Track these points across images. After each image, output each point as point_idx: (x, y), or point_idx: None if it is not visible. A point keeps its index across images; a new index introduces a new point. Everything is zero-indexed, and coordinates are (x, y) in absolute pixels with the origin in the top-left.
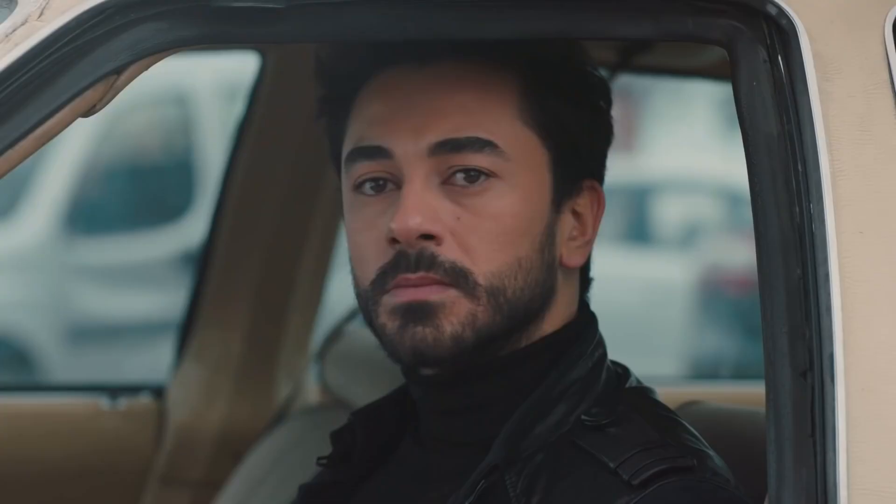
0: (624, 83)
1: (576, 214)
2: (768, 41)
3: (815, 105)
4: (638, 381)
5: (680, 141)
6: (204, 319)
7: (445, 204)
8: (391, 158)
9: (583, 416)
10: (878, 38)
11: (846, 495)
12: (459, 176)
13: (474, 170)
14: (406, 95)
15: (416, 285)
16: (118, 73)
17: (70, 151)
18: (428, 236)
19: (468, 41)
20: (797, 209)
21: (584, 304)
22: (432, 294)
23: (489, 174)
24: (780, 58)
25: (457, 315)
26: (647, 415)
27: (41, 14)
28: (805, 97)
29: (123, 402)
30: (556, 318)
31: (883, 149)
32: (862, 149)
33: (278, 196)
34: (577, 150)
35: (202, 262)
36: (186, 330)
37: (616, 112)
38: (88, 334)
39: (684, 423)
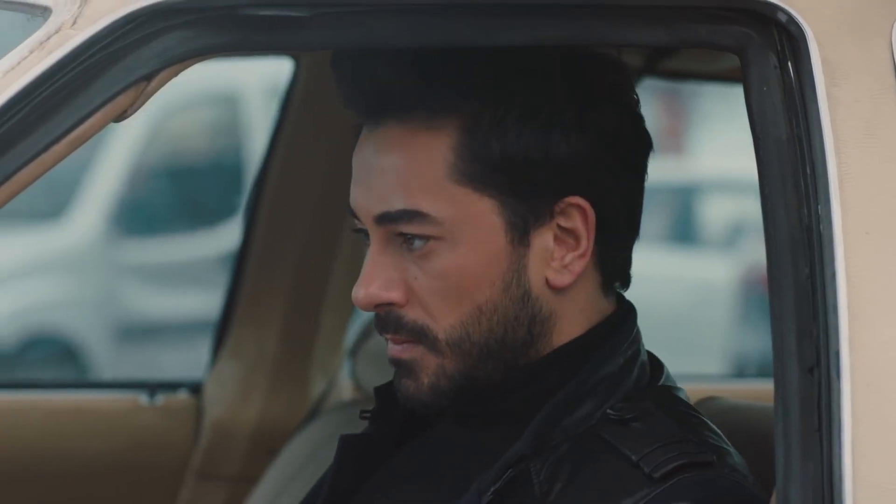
0: (673, 87)
1: (558, 235)
2: (778, 47)
3: (823, 109)
4: (670, 378)
5: (727, 143)
6: (240, 318)
7: (405, 266)
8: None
9: (608, 411)
10: (884, 45)
11: (851, 489)
12: (405, 242)
13: (412, 236)
14: (363, 160)
15: (392, 342)
16: (148, 80)
17: (119, 153)
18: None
19: (485, 47)
20: (805, 210)
21: (621, 302)
22: (404, 353)
23: (428, 237)
24: (789, 64)
25: (427, 369)
26: (670, 411)
27: (74, 23)
28: (813, 102)
29: (161, 399)
30: (568, 328)
31: (889, 152)
32: (868, 152)
33: (312, 197)
34: (536, 182)
35: (238, 263)
36: (223, 328)
37: (664, 114)
38: (135, 332)
39: (707, 420)
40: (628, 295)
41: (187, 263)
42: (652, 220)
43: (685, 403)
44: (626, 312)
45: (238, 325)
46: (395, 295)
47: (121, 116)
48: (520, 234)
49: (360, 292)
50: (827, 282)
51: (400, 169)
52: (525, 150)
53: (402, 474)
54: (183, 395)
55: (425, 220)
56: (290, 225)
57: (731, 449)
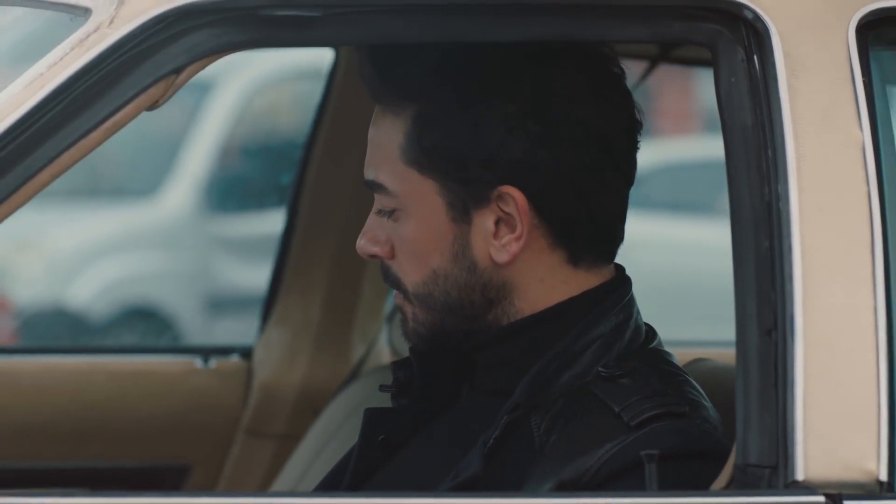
0: None
1: (502, 218)
2: (746, 43)
3: (784, 99)
4: (661, 343)
5: None
6: (286, 288)
7: (388, 225)
8: None
9: (600, 368)
10: (841, 40)
11: (802, 438)
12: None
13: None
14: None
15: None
16: (177, 73)
17: (210, 131)
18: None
19: (480, 43)
20: (766, 189)
21: (618, 272)
22: (397, 299)
23: (392, 208)
24: (755, 57)
25: (408, 316)
26: (656, 369)
27: (111, 22)
28: (776, 92)
29: (214, 362)
30: (532, 295)
31: (843, 137)
32: (824, 137)
33: (352, 174)
34: (471, 170)
35: (284, 237)
36: (271, 297)
37: None
38: (224, 303)
39: (690, 378)
40: None
41: (275, 237)
42: None
43: (671, 363)
44: (619, 283)
45: (284, 294)
46: (377, 249)
47: (152, 106)
48: (460, 213)
49: (357, 242)
50: (784, 254)
51: (373, 144)
52: (460, 143)
53: (427, 444)
54: (234, 359)
55: (385, 192)
56: (332, 201)
57: (707, 403)
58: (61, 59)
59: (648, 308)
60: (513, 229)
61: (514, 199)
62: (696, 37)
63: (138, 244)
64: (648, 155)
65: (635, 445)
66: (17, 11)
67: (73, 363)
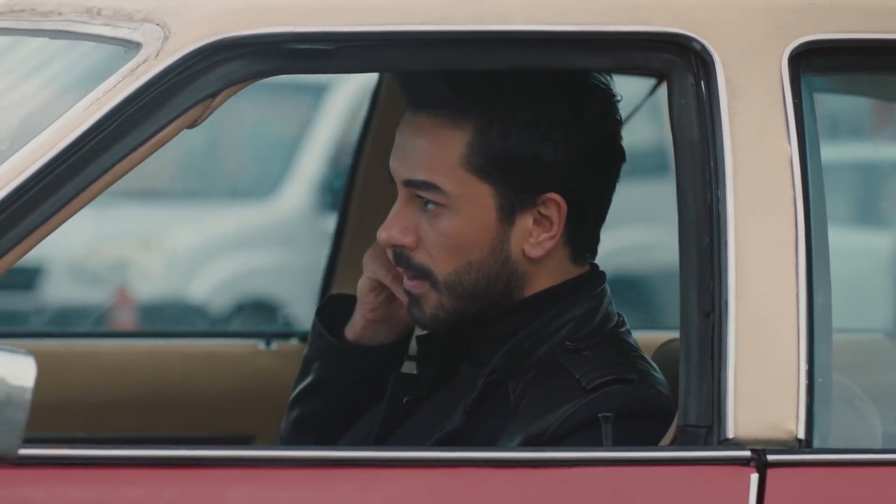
0: None
1: (538, 219)
2: (695, 70)
3: (725, 118)
4: (626, 328)
5: None
6: (340, 274)
7: (420, 220)
8: None
9: (567, 343)
10: (776, 68)
11: (733, 403)
12: (423, 202)
13: (427, 200)
14: (403, 135)
15: (406, 276)
16: (213, 97)
17: (323, 135)
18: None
19: (465, 71)
20: (708, 194)
21: (593, 268)
22: (414, 287)
23: (439, 204)
24: (702, 82)
25: (429, 301)
26: (614, 346)
27: (157, 55)
28: (718, 112)
29: (276, 345)
30: (537, 286)
31: (773, 150)
32: (757, 151)
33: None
34: (526, 179)
35: (337, 232)
36: (326, 283)
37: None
38: None
39: (644, 354)
40: None
41: None
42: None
43: (628, 343)
44: (594, 276)
45: (339, 280)
46: (407, 240)
47: (192, 125)
48: (507, 215)
49: (383, 233)
50: (722, 248)
51: (427, 149)
52: (520, 153)
53: (433, 408)
54: (294, 342)
55: (438, 191)
56: (381, 191)
57: (658, 374)
58: (115, 85)
59: None
60: (547, 230)
61: (558, 204)
62: (653, 65)
63: (255, 242)
64: None
65: (589, 406)
66: (84, 46)
67: (151, 346)
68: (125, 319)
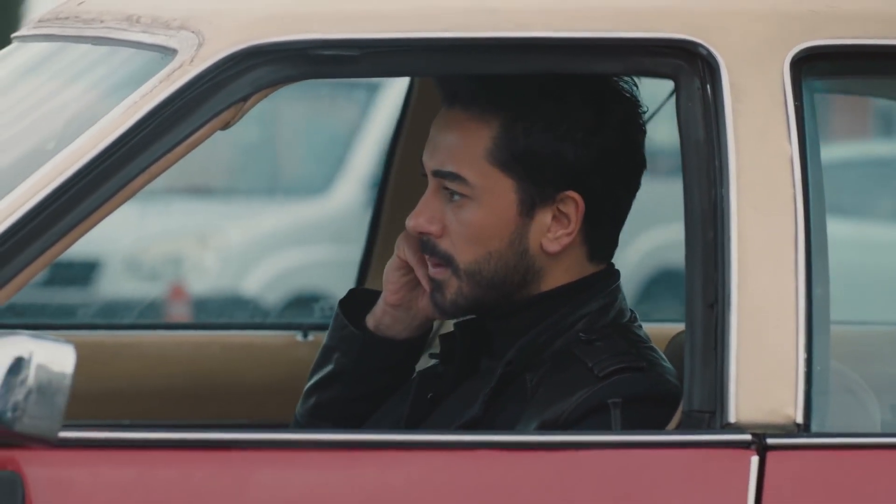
0: None
1: (556, 216)
2: (701, 74)
3: (729, 119)
4: (638, 322)
5: None
6: (375, 267)
7: (445, 210)
8: None
9: (580, 334)
10: (778, 72)
11: (735, 389)
12: (449, 193)
13: (453, 191)
14: (436, 129)
15: (430, 263)
16: (244, 100)
17: (378, 131)
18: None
19: (483, 77)
20: (713, 191)
21: (608, 267)
22: (437, 273)
23: (463, 195)
24: (708, 86)
25: (451, 287)
26: (625, 337)
27: (192, 61)
28: (723, 114)
29: (312, 336)
30: (553, 280)
31: (774, 150)
32: (759, 151)
33: None
34: (546, 176)
35: (372, 226)
36: (361, 276)
37: None
38: None
39: (653, 346)
40: None
41: None
42: None
43: (638, 335)
44: (609, 274)
45: (375, 269)
46: (434, 228)
47: (225, 127)
48: (527, 209)
49: (411, 221)
50: (725, 243)
51: (455, 142)
52: (542, 150)
53: (456, 402)
54: None
55: (463, 183)
56: (414, 187)
57: (666, 364)
58: (152, 89)
59: None
60: (565, 226)
61: (576, 202)
62: (662, 69)
63: (308, 238)
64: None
65: (600, 392)
66: (124, 52)
67: (193, 337)
68: (179, 314)
